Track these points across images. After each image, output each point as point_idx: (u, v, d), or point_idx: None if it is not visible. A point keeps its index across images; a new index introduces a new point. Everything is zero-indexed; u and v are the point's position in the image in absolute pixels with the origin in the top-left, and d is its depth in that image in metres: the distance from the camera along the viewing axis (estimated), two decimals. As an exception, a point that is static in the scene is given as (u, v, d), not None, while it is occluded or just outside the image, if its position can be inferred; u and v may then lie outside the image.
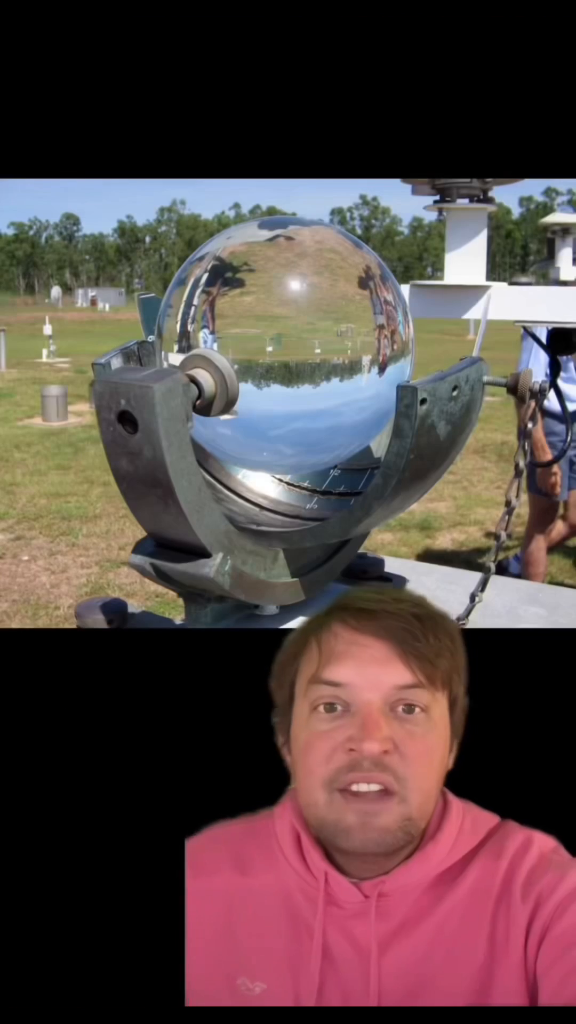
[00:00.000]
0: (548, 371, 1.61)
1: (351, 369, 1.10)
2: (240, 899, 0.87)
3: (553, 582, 4.78)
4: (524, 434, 1.20)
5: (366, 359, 1.11)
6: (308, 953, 0.83)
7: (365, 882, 0.84)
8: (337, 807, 0.81)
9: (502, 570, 4.56)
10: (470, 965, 0.81)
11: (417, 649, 0.82)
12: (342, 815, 0.81)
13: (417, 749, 0.81)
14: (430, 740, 0.83)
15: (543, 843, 0.86)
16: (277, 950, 0.84)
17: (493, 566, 1.26)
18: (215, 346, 1.10)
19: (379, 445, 1.30)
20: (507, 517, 1.24)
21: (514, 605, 1.48)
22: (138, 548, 1.15)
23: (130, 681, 0.98)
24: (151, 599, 4.50)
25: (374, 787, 0.80)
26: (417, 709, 0.82)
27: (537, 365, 3.75)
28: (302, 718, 0.85)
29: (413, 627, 0.83)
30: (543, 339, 1.59)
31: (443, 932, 0.82)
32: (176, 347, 1.13)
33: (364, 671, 0.82)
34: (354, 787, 0.80)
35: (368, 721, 0.80)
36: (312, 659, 0.85)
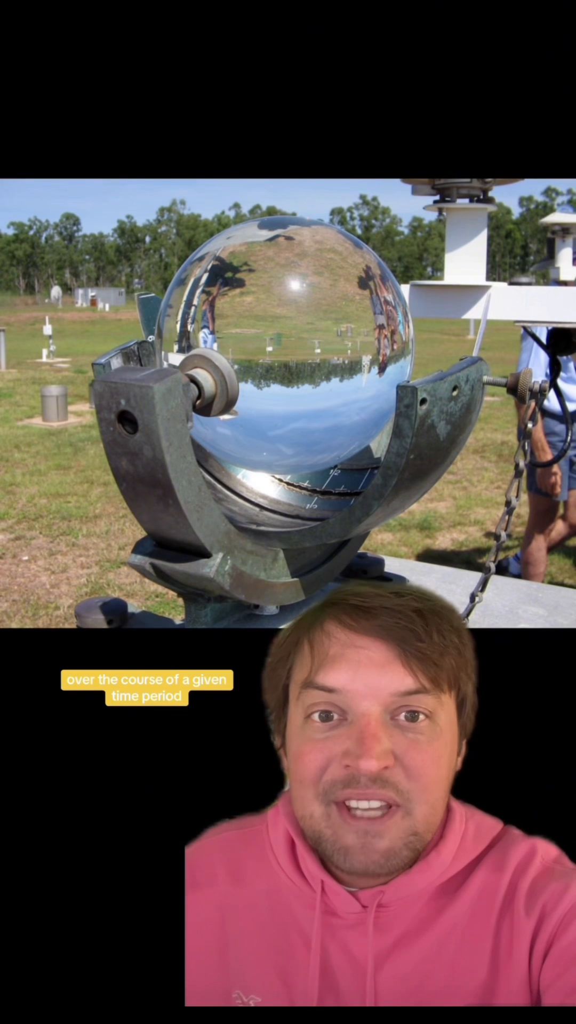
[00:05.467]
0: (548, 371, 1.61)
1: (351, 369, 1.10)
2: (235, 911, 0.83)
3: (553, 582, 4.78)
4: (524, 434, 1.20)
5: (366, 359, 1.11)
6: (304, 966, 0.79)
7: (363, 891, 0.79)
8: (335, 822, 0.76)
9: (502, 570, 4.55)
10: (472, 980, 0.77)
11: (419, 650, 0.76)
12: (340, 833, 0.76)
13: (422, 759, 0.76)
14: (436, 748, 0.77)
15: (546, 852, 0.82)
16: (272, 963, 0.81)
17: (493, 566, 1.26)
18: (215, 346, 1.10)
19: (379, 445, 1.30)
20: (507, 517, 1.24)
21: (514, 605, 1.48)
22: (138, 548, 1.15)
23: None
24: (151, 599, 4.50)
25: (374, 804, 0.75)
26: (421, 716, 0.76)
27: (537, 365, 3.75)
28: (296, 724, 0.80)
29: (415, 625, 0.77)
30: (543, 339, 1.59)
31: (444, 946, 0.78)
32: (176, 347, 1.13)
33: (361, 676, 0.76)
34: (351, 803, 0.75)
35: (366, 734, 0.75)
36: (305, 661, 0.80)
